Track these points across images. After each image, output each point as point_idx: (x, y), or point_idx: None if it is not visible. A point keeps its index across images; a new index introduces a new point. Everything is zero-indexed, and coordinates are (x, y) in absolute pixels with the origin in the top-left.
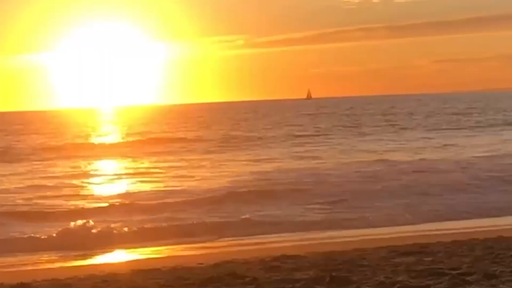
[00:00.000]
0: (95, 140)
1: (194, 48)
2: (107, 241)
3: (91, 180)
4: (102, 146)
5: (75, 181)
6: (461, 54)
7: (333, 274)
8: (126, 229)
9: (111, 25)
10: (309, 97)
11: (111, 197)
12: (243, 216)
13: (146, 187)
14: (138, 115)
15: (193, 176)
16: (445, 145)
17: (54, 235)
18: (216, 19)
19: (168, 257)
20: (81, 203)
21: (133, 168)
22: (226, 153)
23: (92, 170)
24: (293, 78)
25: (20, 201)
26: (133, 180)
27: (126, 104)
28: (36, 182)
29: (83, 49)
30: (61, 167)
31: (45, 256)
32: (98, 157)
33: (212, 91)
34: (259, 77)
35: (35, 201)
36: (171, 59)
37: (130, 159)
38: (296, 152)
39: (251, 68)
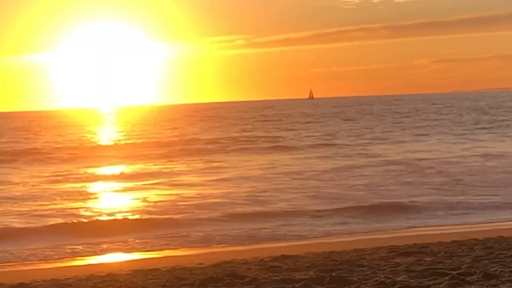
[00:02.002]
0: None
1: (194, 48)
2: None
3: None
4: (128, 148)
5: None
6: (461, 54)
7: (333, 274)
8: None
9: (111, 25)
10: (311, 97)
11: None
12: None
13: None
14: (143, 116)
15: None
16: None
17: None
18: (216, 19)
19: (168, 257)
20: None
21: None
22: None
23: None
24: (293, 78)
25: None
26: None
27: (126, 104)
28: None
29: (83, 49)
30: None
31: (45, 257)
32: (132, 160)
33: (212, 91)
34: (259, 77)
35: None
36: (171, 59)
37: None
38: None
39: (251, 68)
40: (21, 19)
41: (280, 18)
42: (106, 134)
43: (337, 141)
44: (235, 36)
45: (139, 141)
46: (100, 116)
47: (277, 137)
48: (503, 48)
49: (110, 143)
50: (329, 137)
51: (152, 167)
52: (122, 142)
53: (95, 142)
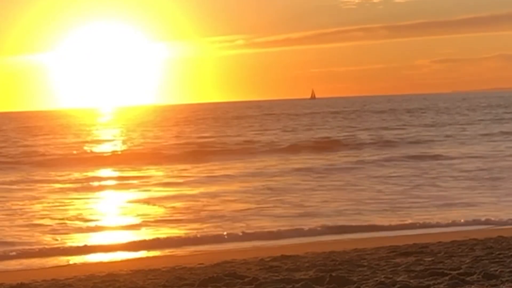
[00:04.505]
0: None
1: (194, 48)
2: None
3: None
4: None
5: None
6: (461, 54)
7: (333, 274)
8: None
9: (111, 25)
10: (313, 97)
11: None
12: None
13: None
14: (145, 116)
15: None
16: None
17: None
18: (216, 19)
19: (168, 257)
20: None
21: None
22: None
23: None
24: (293, 78)
25: None
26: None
27: (126, 104)
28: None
29: (83, 49)
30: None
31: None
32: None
33: (212, 91)
34: (259, 77)
35: None
36: (171, 59)
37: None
38: None
39: (251, 68)
40: (21, 19)
41: (280, 18)
42: (113, 137)
43: None
44: (235, 36)
45: (150, 144)
46: (101, 116)
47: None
48: (503, 48)
49: (119, 147)
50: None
51: (180, 170)
52: (131, 145)
53: (102, 146)
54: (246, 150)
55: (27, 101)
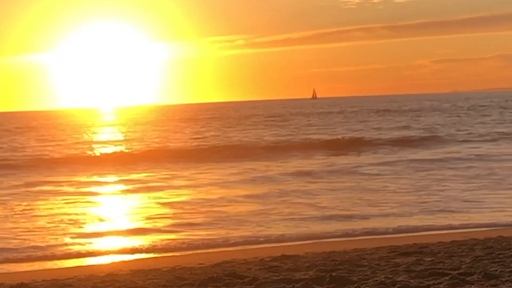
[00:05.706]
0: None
1: (194, 48)
2: None
3: None
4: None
5: None
6: (461, 54)
7: (333, 274)
8: None
9: (111, 25)
10: (314, 97)
11: None
12: None
13: None
14: (147, 116)
15: None
16: None
17: None
18: (216, 19)
19: (168, 257)
20: None
21: None
22: None
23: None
24: (293, 78)
25: None
26: None
27: (126, 104)
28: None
29: (83, 49)
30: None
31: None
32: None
33: (212, 91)
34: (259, 77)
35: None
36: (171, 59)
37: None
38: None
39: (251, 68)
40: (21, 19)
41: (280, 18)
42: (117, 137)
43: None
44: (235, 36)
45: (153, 144)
46: (102, 116)
47: None
48: (503, 48)
49: (124, 147)
50: None
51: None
52: (134, 146)
53: (105, 146)
54: (252, 150)
55: (27, 101)
